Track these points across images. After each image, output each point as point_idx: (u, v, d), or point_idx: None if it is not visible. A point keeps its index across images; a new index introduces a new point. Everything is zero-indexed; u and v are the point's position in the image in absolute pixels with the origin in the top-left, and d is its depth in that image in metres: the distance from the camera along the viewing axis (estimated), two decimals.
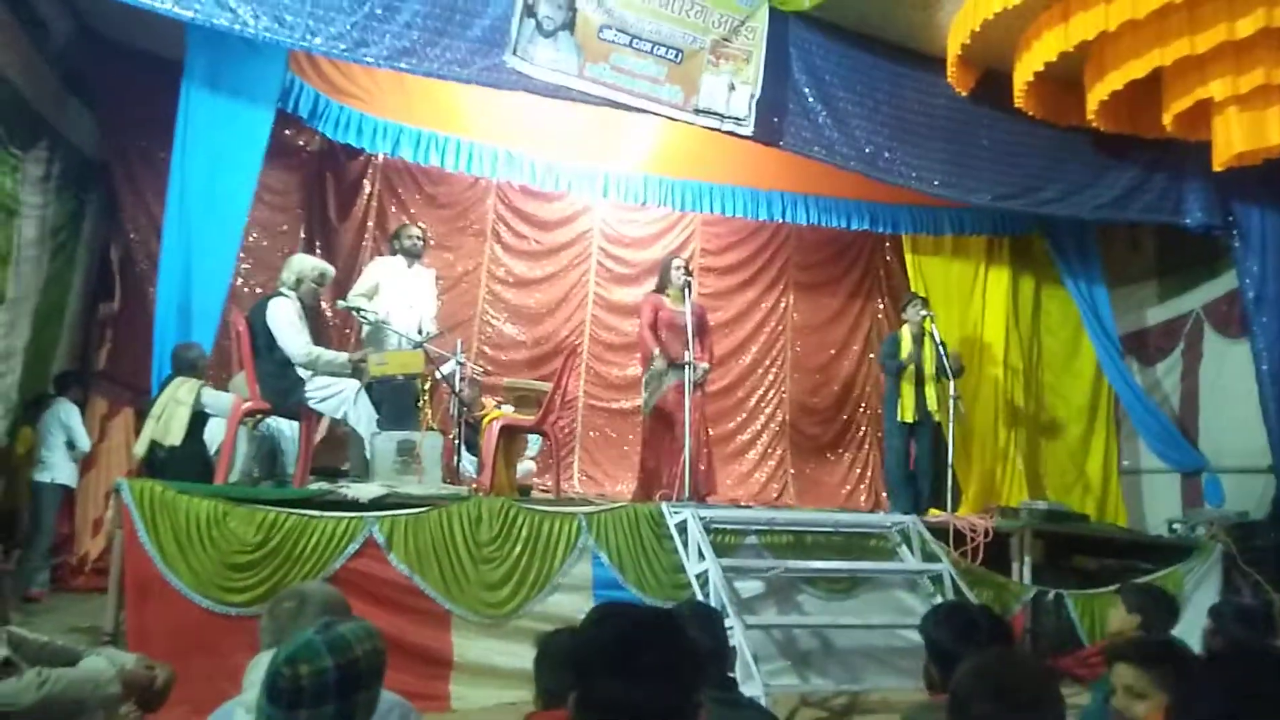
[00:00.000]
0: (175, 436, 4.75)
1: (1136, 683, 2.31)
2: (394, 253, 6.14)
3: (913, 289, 7.59)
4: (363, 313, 5.67)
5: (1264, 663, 1.57)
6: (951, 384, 6.40)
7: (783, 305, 8.48)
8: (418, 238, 6.12)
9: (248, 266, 6.65)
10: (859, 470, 8.33)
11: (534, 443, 6.73)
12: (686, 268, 6.09)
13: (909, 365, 6.48)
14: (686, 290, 5.95)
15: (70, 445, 6.00)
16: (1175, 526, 6.48)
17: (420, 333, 5.83)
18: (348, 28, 4.93)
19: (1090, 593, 5.52)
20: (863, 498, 8.14)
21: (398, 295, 5.92)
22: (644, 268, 8.06)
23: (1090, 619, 5.40)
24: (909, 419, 6.47)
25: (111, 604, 4.18)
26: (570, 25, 5.30)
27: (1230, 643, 3.11)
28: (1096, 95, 5.46)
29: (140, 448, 4.85)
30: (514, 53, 5.19)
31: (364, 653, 1.64)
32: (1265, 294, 6.30)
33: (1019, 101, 5.80)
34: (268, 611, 2.25)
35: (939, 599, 4.83)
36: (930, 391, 6.52)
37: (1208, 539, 5.97)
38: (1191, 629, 3.80)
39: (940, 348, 6.44)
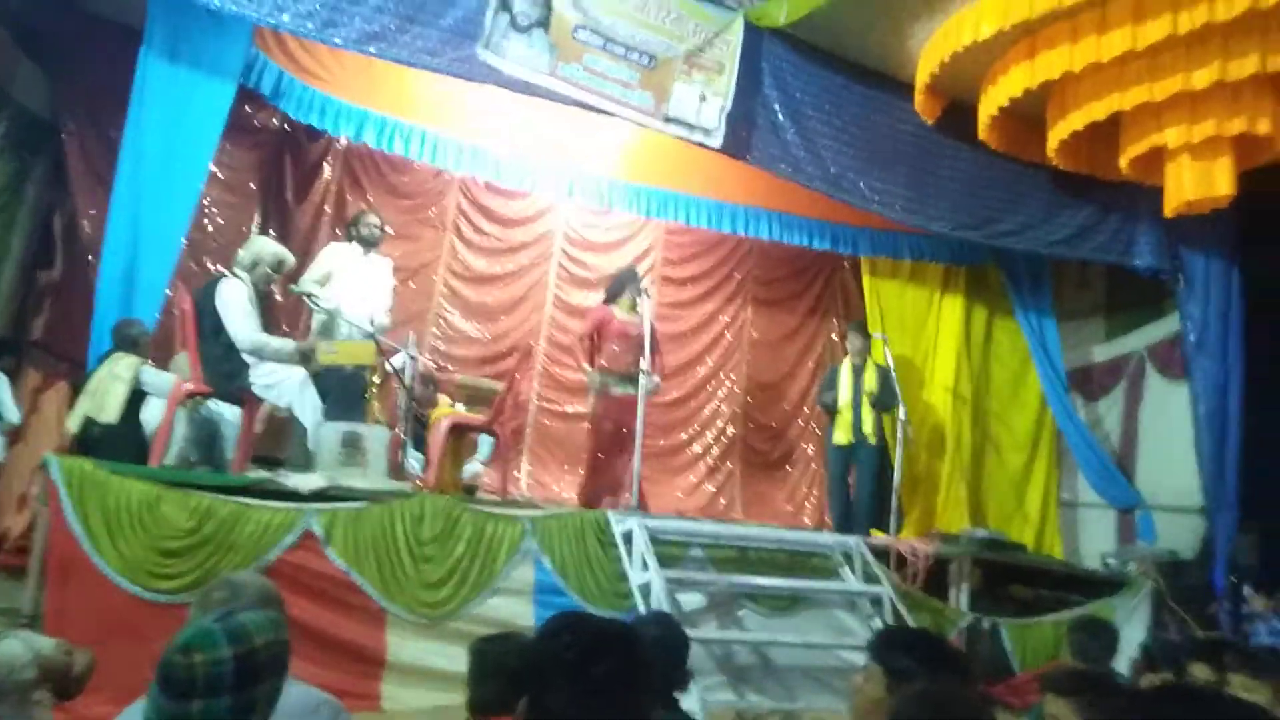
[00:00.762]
0: (111, 414, 4.63)
1: (1064, 714, 2.35)
2: (350, 239, 6.05)
3: (868, 311, 7.71)
4: (315, 299, 5.57)
5: (1189, 698, 1.62)
6: (901, 409, 6.51)
7: (740, 319, 8.52)
8: (376, 226, 6.04)
9: (196, 242, 6.48)
10: (806, 488, 8.39)
11: (484, 444, 6.66)
12: (640, 279, 6.15)
13: (842, 399, 6.67)
14: (640, 301, 5.99)
15: None
16: (1109, 561, 6.64)
17: (372, 324, 5.74)
18: (317, 6, 4.86)
19: (1024, 621, 5.63)
20: (808, 516, 8.20)
21: (351, 284, 5.83)
22: (604, 273, 8.06)
23: (1023, 647, 5.51)
24: (842, 441, 6.68)
25: (32, 585, 4.03)
26: (545, 23, 5.28)
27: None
28: (1057, 134, 5.59)
29: (73, 423, 4.71)
30: (486, 46, 5.16)
31: (264, 643, 1.57)
32: (1206, 338, 6.50)
33: (983, 134, 5.92)
34: (197, 601, 2.18)
35: (877, 621, 4.90)
36: (867, 415, 6.66)
37: (1139, 575, 6.13)
38: (1118, 662, 3.89)
39: (887, 374, 6.58)
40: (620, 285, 6.23)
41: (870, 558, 5.24)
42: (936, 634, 2.75)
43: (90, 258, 5.93)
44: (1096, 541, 7.28)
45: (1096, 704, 2.24)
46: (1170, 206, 5.58)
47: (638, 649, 1.46)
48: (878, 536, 6.00)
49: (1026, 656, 5.47)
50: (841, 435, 6.72)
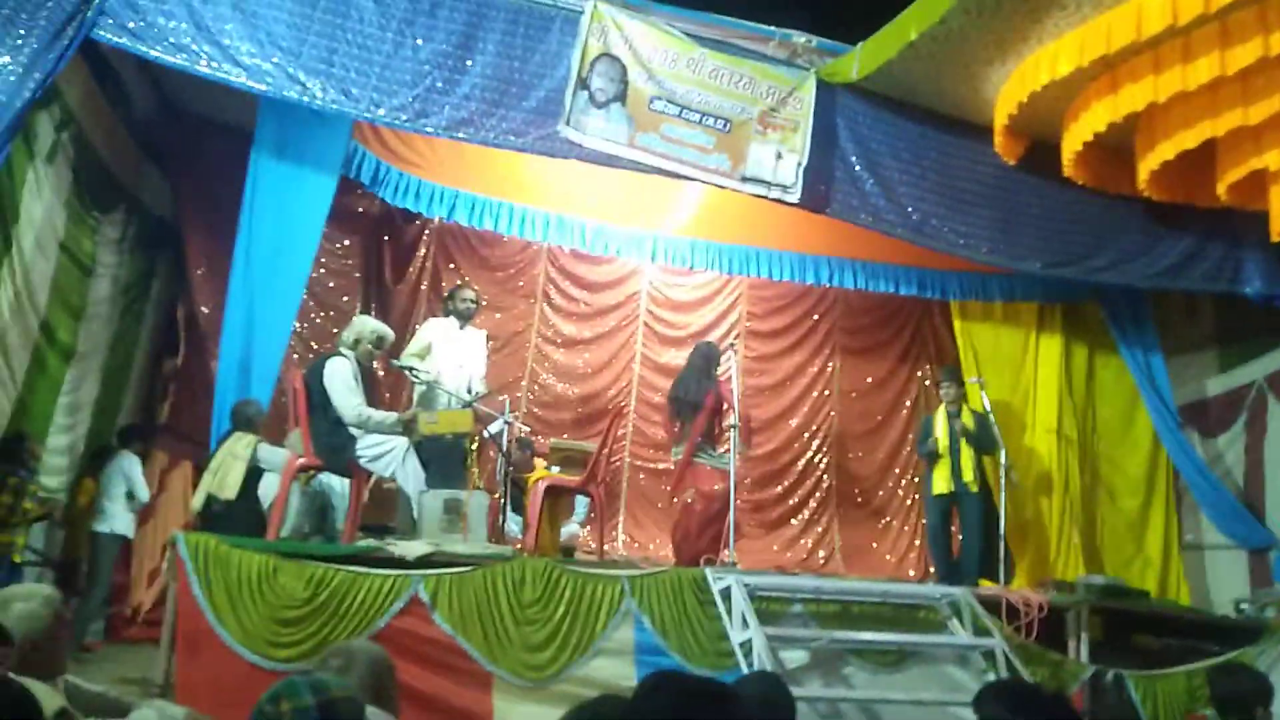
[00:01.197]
0: (231, 490, 4.87)
1: None
2: (447, 314, 6.30)
3: (961, 355, 7.53)
4: (415, 372, 5.80)
5: None
6: (1003, 453, 6.31)
7: (829, 369, 8.45)
8: (471, 301, 6.27)
9: (306, 326, 6.85)
10: (907, 539, 8.16)
11: (581, 505, 6.75)
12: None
13: (942, 443, 6.49)
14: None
15: (130, 496, 6.16)
16: (1243, 606, 6.22)
17: (470, 392, 5.94)
18: (410, 99, 5.16)
19: (1152, 673, 5.30)
20: (911, 569, 7.96)
21: (449, 355, 6.05)
22: (691, 330, 8.17)
23: (1153, 701, 5.17)
24: (942, 490, 6.47)
25: (163, 656, 4.26)
26: (622, 97, 5.47)
27: None
28: (1147, 165, 5.44)
29: (197, 501, 4.98)
30: (567, 123, 5.37)
31: (342, 694, 1.80)
32: None
33: (1068, 170, 5.80)
34: (316, 668, 2.31)
35: (991, 676, 4.70)
36: (966, 462, 6.44)
37: (1278, 620, 5.72)
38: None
39: (985, 419, 6.40)
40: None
41: (980, 609, 5.04)
42: (1033, 684, 2.64)
43: (210, 345, 6.35)
44: (1228, 586, 6.83)
45: None
46: (1277, 230, 5.33)
47: (732, 707, 1.47)
48: (987, 587, 5.78)
49: (1159, 711, 5.14)
50: (941, 484, 6.52)
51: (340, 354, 5.13)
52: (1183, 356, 7.45)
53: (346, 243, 7.25)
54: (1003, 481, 6.28)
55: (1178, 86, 4.87)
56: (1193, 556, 7.26)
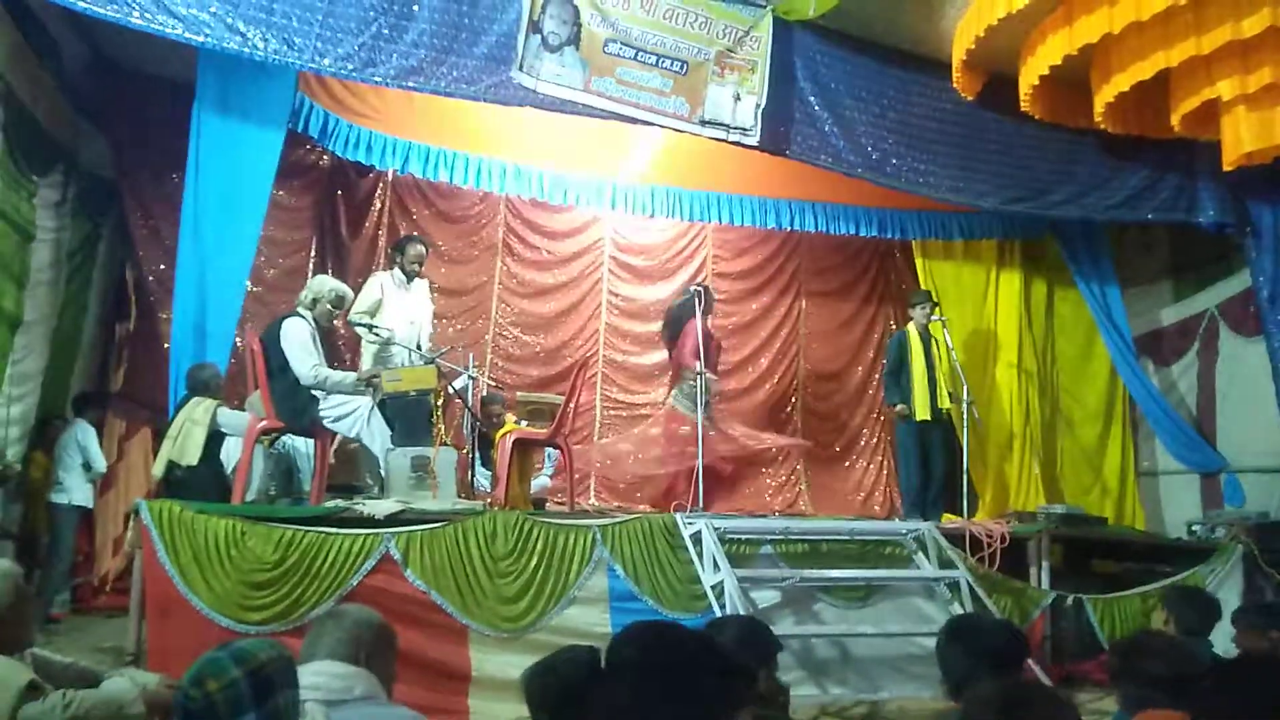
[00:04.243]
0: (192, 456, 4.81)
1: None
2: (393, 265, 6.17)
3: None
4: (374, 330, 5.72)
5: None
6: (965, 389, 6.41)
7: (796, 312, 8.49)
8: (418, 260, 6.10)
9: (260, 286, 6.71)
10: (874, 477, 8.31)
11: (552, 457, 6.76)
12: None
13: (919, 367, 6.47)
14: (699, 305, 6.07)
15: (86, 466, 6.07)
16: (1195, 528, 6.45)
17: (419, 348, 5.87)
18: (355, 48, 5.00)
19: (1110, 596, 5.50)
20: (878, 505, 8.12)
21: (399, 311, 5.97)
22: (657, 272, 8.15)
23: (1111, 623, 5.39)
24: (926, 416, 6.41)
25: (133, 624, 4.23)
26: (575, 40, 5.35)
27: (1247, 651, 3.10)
28: (1103, 97, 5.46)
29: (158, 468, 4.91)
30: (520, 69, 5.25)
31: (269, 658, 1.67)
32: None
33: (1025, 105, 5.81)
34: (310, 637, 2.30)
35: (957, 606, 4.84)
36: (943, 391, 6.52)
37: (1228, 540, 5.94)
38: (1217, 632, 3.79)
39: (951, 353, 6.47)
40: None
41: (944, 543, 5.17)
42: (978, 619, 2.73)
43: (161, 308, 6.20)
44: (1182, 510, 7.07)
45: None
46: (1229, 159, 5.41)
47: (697, 648, 1.49)
48: (951, 520, 5.92)
49: (1116, 631, 5.34)
50: (921, 410, 6.38)
51: (298, 314, 5.06)
52: (1138, 288, 7.60)
53: (299, 199, 7.07)
54: (965, 417, 6.39)
55: (1132, 17, 4.88)
56: (1148, 482, 7.50)
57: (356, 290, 6.00)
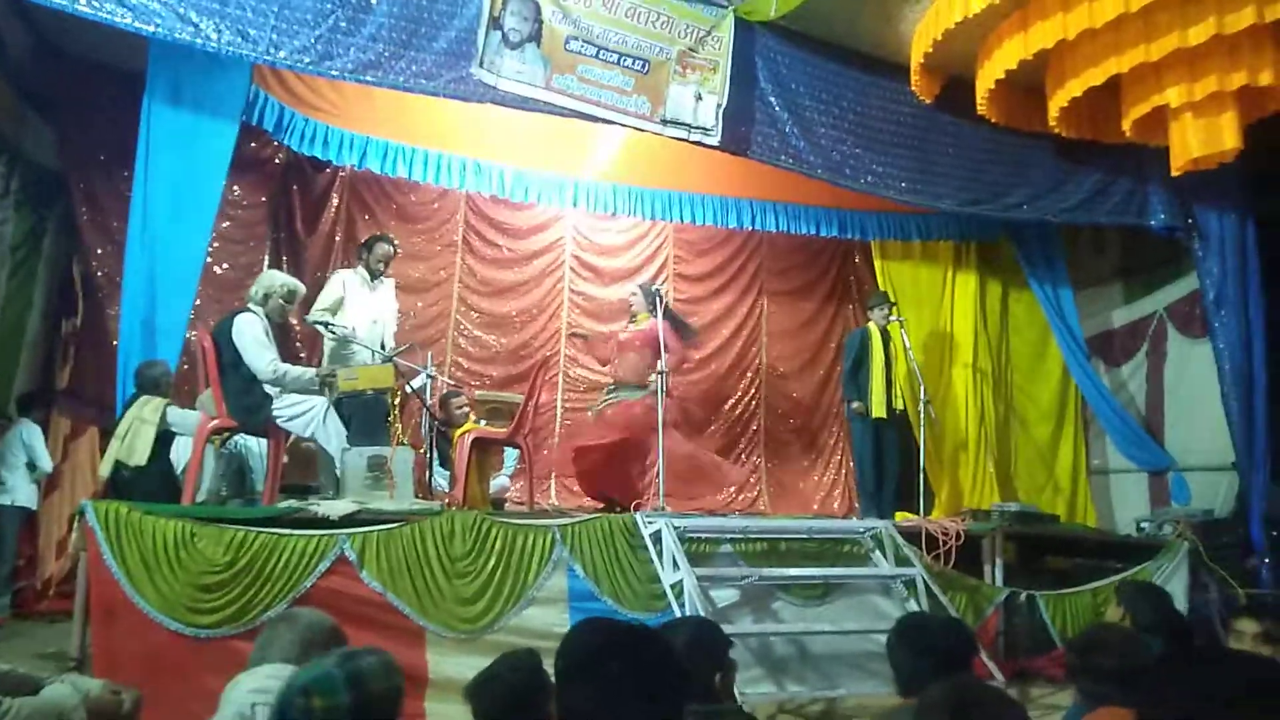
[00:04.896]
0: (140, 456, 4.70)
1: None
2: (358, 263, 6.11)
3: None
4: (331, 327, 5.64)
5: (1222, 664, 1.61)
6: (922, 388, 6.49)
7: (757, 311, 8.54)
8: (384, 260, 6.05)
9: (212, 281, 6.57)
10: (833, 476, 8.39)
11: (510, 458, 6.71)
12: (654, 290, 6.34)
13: (877, 364, 6.56)
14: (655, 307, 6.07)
15: (31, 467, 5.90)
16: (1143, 525, 6.59)
17: (383, 347, 5.81)
18: (312, 41, 4.91)
19: (1062, 593, 5.59)
20: (836, 503, 8.20)
21: (363, 309, 5.89)
22: (619, 273, 8.14)
23: (1063, 619, 5.47)
24: (882, 414, 6.53)
25: (77, 628, 4.12)
26: (536, 37, 5.31)
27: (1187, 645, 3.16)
28: (1057, 102, 5.56)
29: (105, 468, 4.79)
30: (480, 65, 5.20)
31: (380, 690, 1.64)
32: (1225, 294, 6.44)
33: (982, 109, 5.89)
34: (260, 640, 2.26)
35: (913, 603, 4.89)
36: (898, 390, 6.62)
37: (1175, 537, 6.07)
38: None
39: (908, 353, 6.56)
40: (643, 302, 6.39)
41: (901, 540, 5.23)
42: (925, 619, 2.77)
43: (109, 304, 6.05)
44: (1130, 507, 7.23)
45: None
46: (1177, 165, 5.54)
47: (652, 647, 1.49)
48: (906, 519, 5.99)
49: (1067, 627, 5.43)
50: (878, 408, 6.53)
51: (249, 310, 4.96)
52: (1090, 290, 7.75)
53: (253, 194, 6.93)
54: (921, 415, 6.47)
55: (1085, 24, 4.97)
56: (1099, 480, 7.65)
57: (311, 288, 5.90)
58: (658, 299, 6.05)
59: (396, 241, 6.47)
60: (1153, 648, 2.68)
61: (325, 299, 5.86)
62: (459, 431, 5.84)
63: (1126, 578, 5.62)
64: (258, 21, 4.80)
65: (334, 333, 5.61)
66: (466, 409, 6.48)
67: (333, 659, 1.66)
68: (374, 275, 6.02)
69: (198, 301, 5.61)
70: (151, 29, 4.62)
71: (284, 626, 2.24)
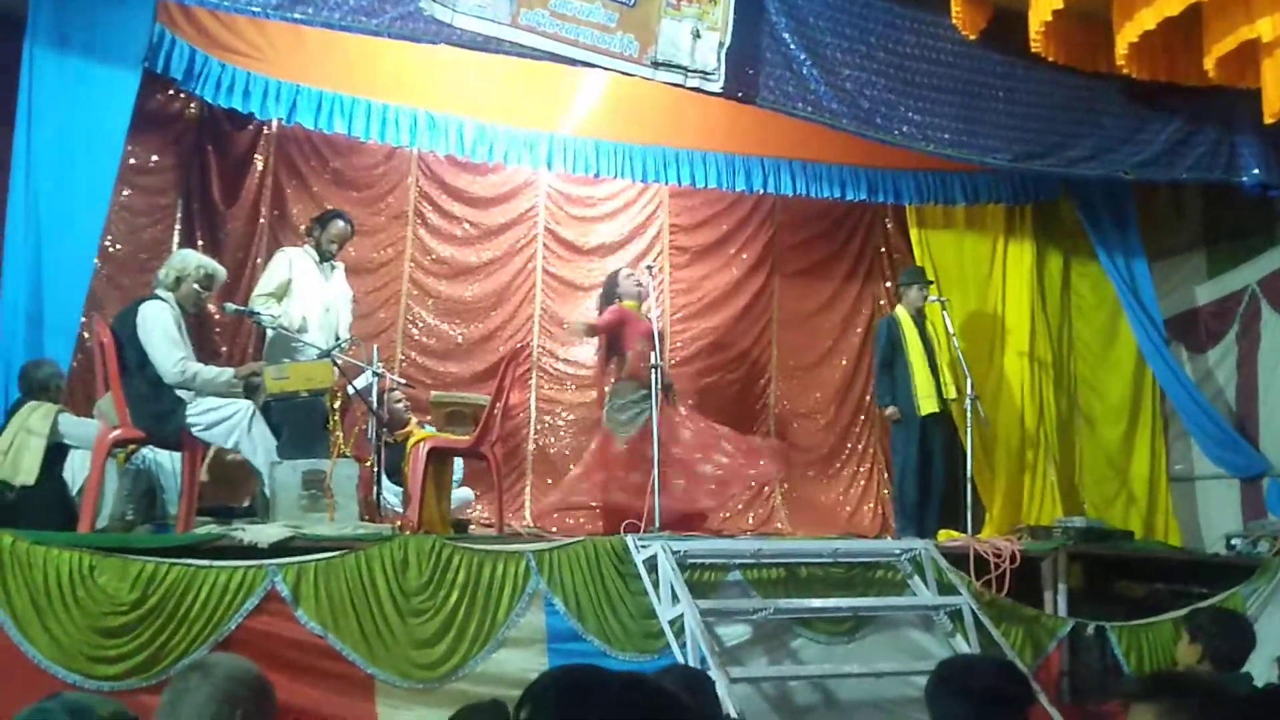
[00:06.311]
0: (28, 474, 4.71)
1: None
2: (308, 240, 6.12)
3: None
4: (257, 316, 5.64)
5: None
6: (969, 383, 6.51)
7: (768, 291, 8.54)
8: (339, 239, 6.11)
9: (111, 262, 6.56)
10: (861, 487, 8.40)
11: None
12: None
13: (917, 353, 6.59)
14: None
15: None
16: (1234, 542, 6.63)
17: (337, 338, 5.82)
18: None
19: (1137, 624, 5.62)
20: (867, 520, 8.22)
21: (313, 295, 5.90)
22: (604, 248, 8.14)
23: (1138, 654, 5.51)
24: (933, 409, 6.54)
25: None
26: None
27: None
28: (1126, 37, 5.57)
29: None
30: None
31: (109, 713, 1.75)
32: None
33: (1036, 45, 5.89)
34: (168, 694, 2.25)
35: (959, 639, 4.92)
36: (947, 380, 6.63)
37: (1272, 555, 6.11)
38: (1257, 659, 3.90)
39: (952, 340, 6.57)
40: (613, 285, 6.48)
41: (944, 564, 5.25)
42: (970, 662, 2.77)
43: None
44: (1220, 521, 7.27)
45: (1184, 708, 2.22)
46: (1271, 111, 5.54)
47: (643, 701, 1.49)
48: (952, 538, 6.01)
49: (1144, 664, 5.47)
50: (925, 402, 6.53)
51: (157, 297, 4.97)
52: (1169, 261, 7.78)
53: (159, 156, 6.91)
54: (968, 416, 6.49)
55: None
56: (1181, 489, 7.69)
57: (232, 270, 5.90)
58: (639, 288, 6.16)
59: (355, 221, 6.49)
60: (1242, 689, 2.69)
61: (269, 282, 5.87)
62: (413, 440, 5.84)
63: (1207, 605, 5.65)
64: None
65: (260, 320, 5.61)
66: (405, 403, 6.49)
67: (45, 698, 1.79)
68: (324, 257, 6.04)
69: (93, 288, 5.59)
70: None
71: (197, 678, 2.22)
